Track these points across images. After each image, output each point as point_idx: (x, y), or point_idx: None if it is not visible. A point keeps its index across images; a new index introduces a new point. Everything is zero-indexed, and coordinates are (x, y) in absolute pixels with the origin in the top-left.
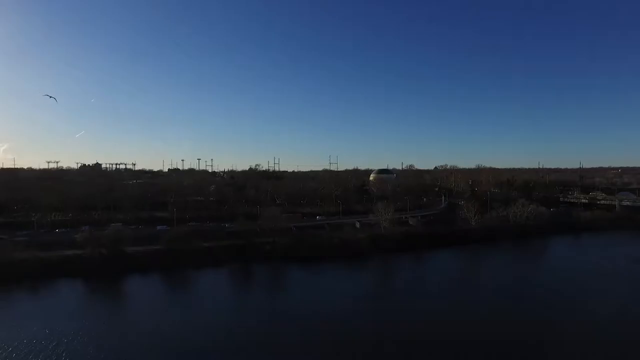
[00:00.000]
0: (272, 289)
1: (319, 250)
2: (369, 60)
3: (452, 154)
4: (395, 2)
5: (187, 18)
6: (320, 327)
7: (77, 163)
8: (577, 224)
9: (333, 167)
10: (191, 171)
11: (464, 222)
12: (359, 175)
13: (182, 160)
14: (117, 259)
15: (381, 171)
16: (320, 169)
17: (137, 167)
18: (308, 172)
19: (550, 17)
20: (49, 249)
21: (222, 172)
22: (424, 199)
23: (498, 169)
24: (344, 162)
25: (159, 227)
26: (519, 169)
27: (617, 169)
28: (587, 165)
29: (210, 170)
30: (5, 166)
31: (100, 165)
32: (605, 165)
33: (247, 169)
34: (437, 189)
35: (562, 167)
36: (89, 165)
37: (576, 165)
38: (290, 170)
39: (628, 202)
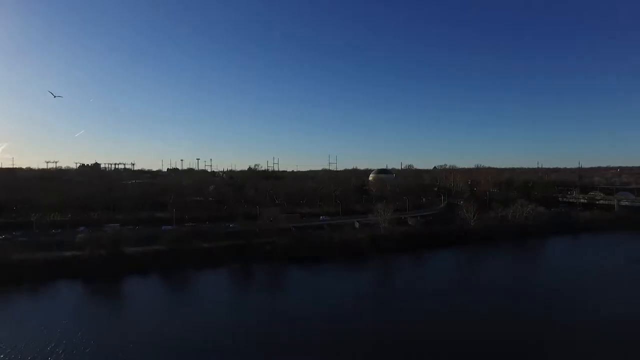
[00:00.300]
0: (272, 289)
1: (318, 250)
2: (369, 60)
3: (451, 154)
4: (395, 2)
5: (187, 18)
6: (320, 327)
7: (76, 163)
8: (576, 224)
9: (332, 167)
10: (190, 171)
11: (463, 222)
12: (358, 175)
13: (181, 160)
14: (116, 260)
15: (380, 171)
16: (319, 168)
17: (136, 167)
18: (307, 171)
19: (550, 17)
20: (48, 249)
21: (221, 172)
22: (423, 199)
23: (497, 168)
24: (343, 162)
25: (164, 227)
26: (518, 168)
27: (615, 168)
28: (586, 164)
29: (209, 170)
30: (4, 166)
31: (99, 165)
32: (604, 164)
33: (246, 169)
34: (436, 189)
35: (561, 166)
36: (88, 165)
37: (575, 165)
38: (289, 170)
39: (627, 202)
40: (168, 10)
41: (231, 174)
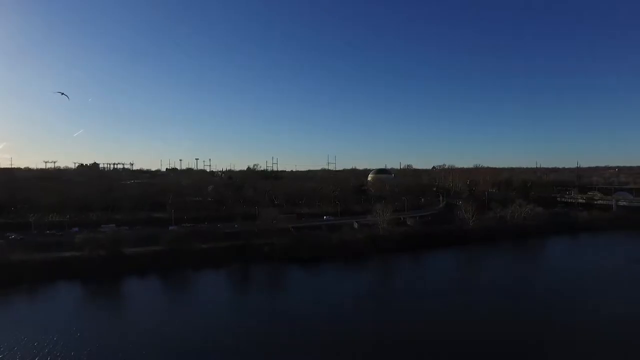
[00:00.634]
0: (271, 290)
1: (318, 250)
2: (369, 60)
3: (450, 154)
4: (395, 2)
5: (187, 18)
6: (320, 328)
7: (75, 163)
8: (575, 224)
9: (331, 167)
10: (189, 171)
11: (462, 222)
12: (357, 175)
13: (180, 160)
14: (116, 260)
15: (379, 171)
16: (318, 168)
17: (135, 167)
18: (306, 171)
19: (550, 17)
20: (47, 250)
21: (220, 171)
22: (422, 199)
23: (496, 168)
24: (342, 161)
25: (170, 228)
26: (517, 168)
27: (614, 168)
28: (584, 164)
29: (208, 170)
30: (2, 166)
31: (98, 165)
32: (603, 164)
33: (245, 169)
34: (435, 189)
35: (560, 166)
36: (86, 165)
37: (574, 165)
38: (288, 169)
39: (625, 203)
40: (168, 10)
41: (230, 174)
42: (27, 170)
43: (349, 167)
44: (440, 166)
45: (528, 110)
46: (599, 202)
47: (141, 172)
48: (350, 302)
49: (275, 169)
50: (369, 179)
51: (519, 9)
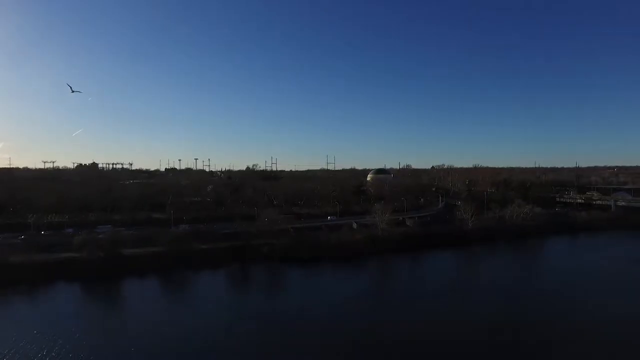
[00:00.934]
0: (271, 290)
1: (317, 251)
2: (369, 60)
3: (449, 153)
4: (395, 2)
5: (187, 18)
6: (319, 328)
7: (74, 163)
8: (574, 224)
9: (330, 167)
10: (188, 171)
11: (462, 222)
12: (356, 175)
13: (179, 160)
14: (115, 261)
15: (378, 171)
16: (317, 168)
17: (134, 167)
18: (305, 171)
19: (550, 17)
20: (46, 250)
21: (219, 171)
22: (422, 199)
23: (495, 168)
24: (342, 161)
25: (181, 227)
26: (516, 168)
27: (613, 168)
28: (583, 164)
29: (207, 170)
30: (1, 166)
31: (97, 165)
32: (601, 164)
33: (244, 169)
34: (434, 189)
35: (559, 166)
36: (85, 165)
37: (573, 164)
38: (287, 169)
39: (624, 203)
40: (168, 10)
41: (229, 174)
42: (26, 170)
43: (348, 167)
44: (439, 166)
45: (527, 110)
46: (598, 202)
47: (140, 172)
48: (349, 302)
49: (274, 168)
50: (368, 179)
51: (519, 9)
